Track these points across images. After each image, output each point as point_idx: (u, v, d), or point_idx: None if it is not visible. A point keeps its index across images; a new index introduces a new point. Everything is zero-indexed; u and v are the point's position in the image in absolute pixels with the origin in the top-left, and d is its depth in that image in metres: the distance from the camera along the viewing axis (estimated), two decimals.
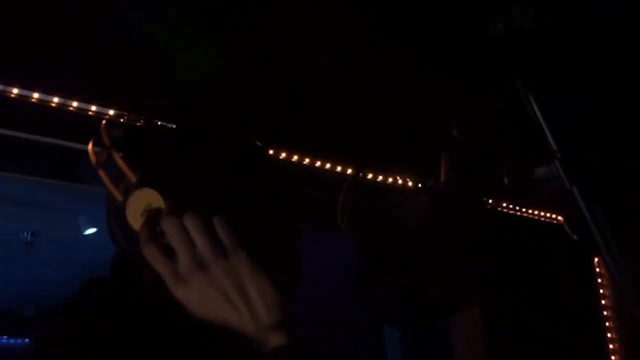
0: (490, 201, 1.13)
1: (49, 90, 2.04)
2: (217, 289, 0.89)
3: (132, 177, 0.96)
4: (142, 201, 0.94)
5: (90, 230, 4.93)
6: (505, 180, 1.11)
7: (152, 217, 0.93)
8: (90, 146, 1.00)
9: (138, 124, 1.08)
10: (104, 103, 2.05)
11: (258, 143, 1.14)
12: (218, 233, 0.91)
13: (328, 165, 2.67)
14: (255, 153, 1.15)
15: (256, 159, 1.14)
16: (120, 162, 0.97)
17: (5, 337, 7.81)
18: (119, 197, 0.96)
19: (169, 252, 0.91)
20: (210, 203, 0.98)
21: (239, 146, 1.12)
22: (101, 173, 0.98)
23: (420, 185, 1.18)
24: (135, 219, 0.94)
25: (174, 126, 1.12)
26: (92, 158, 1.00)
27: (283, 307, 0.89)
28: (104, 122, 1.01)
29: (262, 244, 1.03)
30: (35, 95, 2.02)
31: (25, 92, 2.00)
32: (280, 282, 0.92)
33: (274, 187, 1.12)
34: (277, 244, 1.08)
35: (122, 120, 1.02)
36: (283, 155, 2.59)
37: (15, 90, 1.98)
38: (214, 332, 0.91)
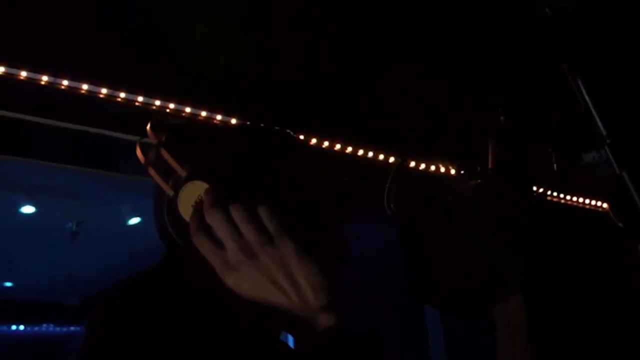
0: (537, 188, 1.13)
1: (97, 82, 2.08)
2: (265, 275, 0.93)
3: (181, 172, 0.99)
4: (193, 194, 0.98)
5: (134, 220, 4.99)
6: (554, 166, 1.11)
7: (200, 209, 0.97)
8: (138, 149, 1.05)
9: (181, 119, 1.12)
10: (149, 94, 2.08)
11: (295, 134, 1.16)
12: (264, 221, 0.94)
13: (371, 154, 2.68)
14: (295, 143, 1.17)
15: (297, 149, 1.16)
16: (169, 159, 1.01)
17: (51, 325, 7.96)
18: (169, 191, 1.00)
19: (218, 242, 0.94)
20: (255, 192, 1.00)
21: (279, 136, 1.14)
22: (151, 171, 1.02)
23: (466, 172, 1.18)
24: (187, 211, 0.98)
25: (218, 118, 1.15)
26: (141, 158, 1.04)
27: (329, 290, 0.93)
28: (150, 123, 1.04)
29: (308, 230, 1.05)
30: (84, 86, 2.05)
31: (74, 84, 2.04)
32: (326, 268, 0.95)
33: (318, 175, 1.14)
34: (323, 231, 1.10)
35: (166, 116, 1.06)
36: (326, 144, 2.60)
37: (65, 82, 2.02)
38: (265, 318, 0.94)
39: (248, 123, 1.18)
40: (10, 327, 7.87)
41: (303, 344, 0.93)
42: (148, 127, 1.03)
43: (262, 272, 0.93)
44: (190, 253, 0.98)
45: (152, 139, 1.03)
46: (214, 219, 0.94)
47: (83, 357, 0.93)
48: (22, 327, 7.93)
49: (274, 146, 1.11)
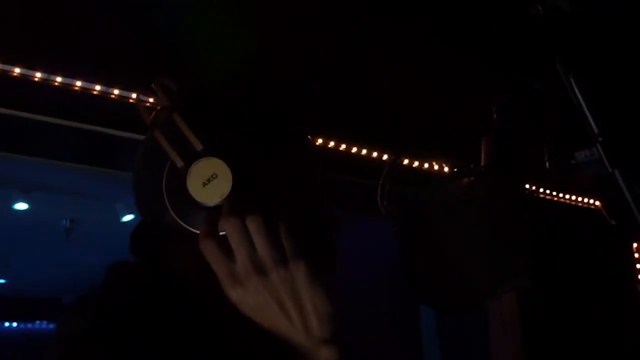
0: (530, 186, 1.13)
1: (91, 78, 2.07)
2: (272, 296, 0.87)
3: (197, 144, 0.91)
4: (207, 171, 0.89)
5: (128, 217, 4.99)
6: (547, 164, 1.11)
7: (213, 213, 0.90)
8: (138, 102, 0.94)
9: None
10: (145, 91, 2.07)
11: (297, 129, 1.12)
12: (281, 238, 0.89)
13: (364, 152, 2.68)
14: (304, 140, 1.12)
15: (305, 146, 1.12)
16: (183, 126, 0.91)
17: (44, 322, 7.95)
18: (179, 162, 0.91)
19: (227, 251, 0.88)
20: (274, 190, 0.96)
21: (293, 135, 1.09)
22: (157, 133, 0.92)
23: (459, 169, 1.18)
24: (197, 188, 0.89)
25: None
26: (145, 116, 0.95)
27: (335, 321, 0.88)
28: (156, 81, 0.95)
29: (295, 230, 0.99)
30: (78, 83, 2.05)
31: (68, 81, 2.03)
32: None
33: (308, 173, 1.10)
34: (311, 232, 1.05)
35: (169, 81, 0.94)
36: (319, 141, 2.60)
37: (58, 79, 2.02)
38: (262, 339, 0.90)
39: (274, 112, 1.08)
40: (3, 324, 7.86)
41: None
42: (158, 86, 0.94)
43: (270, 291, 0.87)
44: (182, 238, 0.93)
45: (162, 100, 0.94)
46: (230, 226, 0.88)
47: (64, 354, 0.89)
48: (15, 324, 7.92)
49: (294, 141, 1.07)
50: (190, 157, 0.90)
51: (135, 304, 0.92)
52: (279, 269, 0.87)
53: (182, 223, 0.91)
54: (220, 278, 0.89)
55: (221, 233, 0.89)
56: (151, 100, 1.96)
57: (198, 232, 0.90)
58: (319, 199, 1.10)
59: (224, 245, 0.88)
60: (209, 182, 0.89)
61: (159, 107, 0.95)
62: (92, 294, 0.97)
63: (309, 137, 1.16)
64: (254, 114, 1.04)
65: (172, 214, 0.92)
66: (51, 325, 7.91)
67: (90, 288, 0.98)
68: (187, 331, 0.91)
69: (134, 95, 2.09)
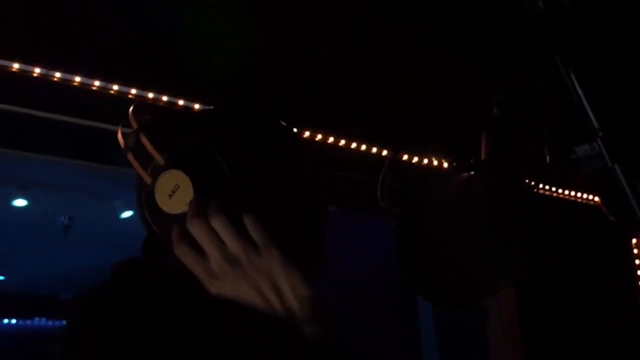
0: (530, 182, 1.13)
1: (90, 74, 2.07)
2: (250, 285, 0.91)
3: (159, 160, 0.97)
4: (171, 182, 0.96)
5: (127, 214, 4.99)
6: (547, 158, 1.11)
7: (182, 218, 0.94)
8: (119, 131, 1.03)
9: (163, 104, 1.09)
10: (143, 87, 2.07)
11: (284, 123, 1.14)
12: (248, 229, 0.92)
13: (364, 147, 2.68)
14: (283, 133, 1.14)
15: (283, 140, 1.13)
16: (147, 145, 0.98)
17: (43, 319, 7.96)
18: (147, 179, 0.98)
19: (200, 250, 0.93)
20: (238, 188, 0.98)
21: (265, 126, 1.12)
22: (129, 156, 1.00)
23: (459, 164, 1.19)
24: (164, 200, 0.96)
25: (197, 107, 1.13)
26: (121, 142, 1.02)
27: (315, 301, 0.91)
28: (132, 106, 1.02)
29: (286, 224, 1.04)
30: (77, 79, 2.05)
31: (67, 76, 2.03)
32: (305, 263, 0.95)
33: (303, 165, 1.12)
34: (302, 225, 1.09)
35: (149, 103, 1.03)
36: (319, 137, 2.60)
37: (57, 74, 2.01)
38: (248, 327, 0.93)
39: (228, 110, 1.13)
40: (2, 321, 7.86)
41: (286, 354, 0.91)
42: (130, 111, 1.01)
43: (247, 281, 0.91)
44: (169, 245, 0.96)
45: (132, 123, 1.01)
46: (196, 230, 0.92)
47: (65, 350, 0.92)
48: (14, 321, 7.92)
49: (257, 132, 1.09)
50: (157, 172, 0.97)
51: (139, 302, 0.94)
52: (252, 258, 0.91)
53: (160, 233, 0.98)
54: (199, 277, 0.93)
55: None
56: (150, 95, 1.96)
57: None
58: (304, 193, 1.10)
59: (196, 246, 0.93)
60: (174, 193, 0.96)
61: (129, 132, 1.01)
62: (97, 291, 1.00)
63: (292, 132, 1.17)
64: (215, 119, 1.10)
65: (154, 227, 0.98)
66: (49, 322, 7.92)
67: (96, 284, 1.01)
68: (187, 329, 0.93)
69: (133, 91, 2.09)
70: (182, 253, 0.93)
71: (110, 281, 1.03)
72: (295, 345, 0.90)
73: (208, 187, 0.95)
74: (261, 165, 1.05)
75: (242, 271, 0.91)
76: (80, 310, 0.96)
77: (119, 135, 1.02)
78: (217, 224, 0.92)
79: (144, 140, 0.98)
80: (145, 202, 0.99)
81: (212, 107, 1.14)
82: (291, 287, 0.91)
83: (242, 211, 0.93)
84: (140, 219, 1.06)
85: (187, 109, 1.03)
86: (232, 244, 0.91)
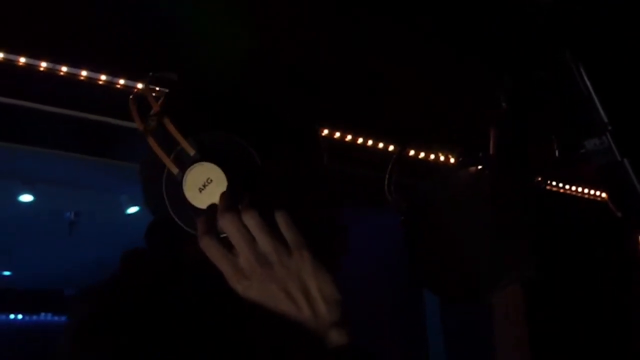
0: (538, 177, 1.12)
1: (96, 68, 2.07)
2: (279, 286, 0.89)
3: (189, 149, 0.91)
4: (202, 176, 0.90)
5: (133, 209, 4.99)
6: (556, 153, 1.11)
7: (210, 210, 0.90)
8: (134, 111, 0.96)
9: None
10: (150, 81, 2.07)
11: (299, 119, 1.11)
12: (281, 229, 0.90)
13: (370, 142, 2.68)
14: (305, 128, 1.11)
15: (307, 134, 1.10)
16: (173, 130, 0.91)
17: (49, 314, 7.98)
18: (174, 169, 0.91)
19: (228, 246, 0.89)
20: (272, 186, 0.95)
21: (290, 120, 1.07)
22: (151, 141, 0.93)
23: (466, 158, 1.18)
24: (193, 195, 0.90)
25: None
26: (138, 122, 0.95)
27: (342, 305, 0.90)
28: (147, 80, 0.96)
29: (312, 218, 1.01)
30: (84, 73, 2.04)
31: (73, 70, 2.03)
32: (326, 255, 0.92)
33: (322, 159, 1.10)
34: (326, 220, 1.07)
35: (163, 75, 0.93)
36: (325, 132, 2.60)
37: (64, 68, 2.01)
38: (272, 328, 0.91)
39: (265, 102, 1.06)
40: (8, 316, 7.89)
41: (307, 357, 0.90)
42: (143, 85, 0.95)
43: (276, 281, 0.88)
44: (185, 235, 0.93)
45: (152, 105, 0.94)
46: (228, 225, 0.88)
47: (74, 347, 0.89)
48: (20, 317, 7.95)
49: (283, 126, 1.05)
50: (184, 162, 0.91)
51: (148, 294, 0.92)
52: (283, 259, 0.88)
53: (185, 228, 0.92)
54: (225, 274, 0.90)
55: (222, 235, 0.90)
56: (157, 88, 1.95)
57: None
58: (324, 189, 1.09)
59: (223, 242, 0.89)
60: (205, 187, 0.90)
61: (150, 114, 0.94)
62: (106, 283, 0.97)
63: (315, 129, 1.15)
64: (248, 112, 1.02)
65: (176, 219, 0.92)
66: (55, 318, 7.95)
67: (104, 277, 0.98)
68: (196, 323, 0.91)
69: (139, 85, 2.08)
70: (209, 247, 0.89)
71: (119, 273, 1.00)
72: (320, 349, 0.88)
73: (242, 183, 0.90)
74: (289, 159, 1.02)
75: (272, 271, 0.88)
76: (90, 304, 0.93)
77: (134, 113, 0.95)
78: (250, 220, 0.88)
79: (169, 124, 0.92)
80: (168, 193, 0.92)
81: (234, 93, 1.06)
82: (319, 289, 0.89)
83: (275, 208, 0.90)
84: (150, 208, 1.03)
85: (203, 89, 0.94)
86: (264, 242, 0.88)
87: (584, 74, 1.06)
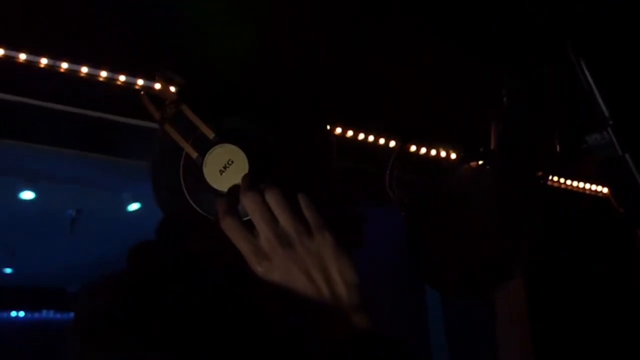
0: (539, 172, 1.12)
1: (97, 65, 2.07)
2: (300, 268, 0.89)
3: (208, 132, 0.92)
4: (222, 158, 0.91)
5: (134, 206, 4.99)
6: (557, 147, 1.11)
7: (232, 191, 0.91)
8: (145, 98, 0.97)
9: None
10: (149, 77, 2.07)
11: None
12: (303, 210, 0.90)
13: (371, 138, 2.68)
14: (319, 117, 1.11)
15: (320, 123, 1.11)
16: (193, 117, 0.92)
17: (51, 311, 7.99)
18: (193, 153, 0.92)
19: (249, 227, 0.89)
20: (292, 169, 0.96)
21: (306, 109, 1.09)
22: (168, 128, 0.94)
23: (468, 153, 1.18)
24: (214, 178, 0.91)
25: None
26: (154, 112, 0.96)
27: (361, 289, 0.90)
28: (161, 73, 0.98)
29: (330, 206, 1.00)
30: (84, 69, 2.04)
31: (74, 67, 2.03)
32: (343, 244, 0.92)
33: (326, 151, 1.09)
34: (341, 209, 1.06)
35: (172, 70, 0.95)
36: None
37: (64, 65, 2.01)
38: (292, 309, 0.91)
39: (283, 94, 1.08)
40: (10, 313, 7.89)
41: (327, 340, 0.89)
42: (159, 78, 0.97)
43: (296, 263, 0.88)
44: (201, 226, 0.94)
45: (167, 94, 0.96)
46: (250, 203, 0.89)
47: (83, 343, 0.89)
48: (22, 314, 7.95)
49: (300, 115, 1.06)
50: (204, 146, 0.91)
51: (156, 289, 0.91)
52: (304, 240, 0.88)
53: (203, 213, 0.92)
54: (245, 254, 0.90)
55: (244, 219, 0.90)
56: (157, 86, 1.95)
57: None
58: (339, 177, 1.09)
59: (244, 223, 0.89)
60: (226, 169, 0.90)
61: (166, 101, 0.96)
62: (115, 275, 0.97)
63: (326, 124, 1.15)
64: (262, 97, 1.03)
65: (193, 205, 0.93)
66: (57, 315, 7.95)
67: (110, 272, 0.98)
68: (208, 311, 0.90)
69: (140, 82, 2.08)
70: (230, 227, 0.89)
71: (129, 267, 1.00)
72: (340, 331, 0.88)
73: (263, 164, 0.91)
74: (306, 145, 1.03)
75: (293, 252, 0.89)
76: (99, 300, 0.92)
77: (149, 104, 0.96)
78: (272, 199, 0.89)
79: (187, 110, 0.93)
80: (186, 178, 0.93)
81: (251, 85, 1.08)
82: (340, 272, 0.89)
83: (297, 190, 0.91)
84: (163, 199, 1.02)
85: (229, 87, 0.96)
86: (286, 222, 0.89)
87: (585, 69, 1.06)
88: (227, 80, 1.04)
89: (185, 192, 0.93)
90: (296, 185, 0.92)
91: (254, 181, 0.90)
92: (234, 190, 0.91)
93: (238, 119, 0.94)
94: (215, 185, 0.91)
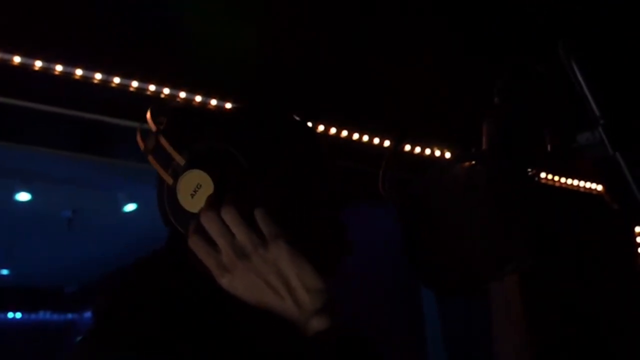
0: (532, 171, 1.13)
1: (91, 67, 2.07)
2: (259, 277, 0.92)
3: (180, 160, 0.99)
4: (192, 182, 0.98)
5: (130, 207, 4.99)
6: (548, 146, 1.11)
7: (199, 212, 0.97)
8: (138, 133, 1.04)
9: (179, 101, 1.11)
10: (144, 79, 2.07)
11: (298, 117, 1.15)
12: (258, 222, 0.94)
13: (366, 138, 2.68)
14: (297, 127, 1.14)
15: (299, 133, 1.13)
16: (167, 146, 1.00)
17: (48, 312, 7.98)
18: (169, 180, 1.00)
19: (212, 244, 0.94)
20: (256, 183, 1.00)
21: (279, 120, 1.12)
22: (150, 158, 1.02)
23: (460, 153, 1.19)
24: (186, 199, 0.98)
25: (213, 103, 1.13)
26: (141, 144, 1.04)
27: (325, 292, 0.92)
28: (149, 109, 1.04)
29: (312, 221, 1.05)
30: (78, 72, 2.05)
31: (69, 69, 2.03)
32: (331, 254, 0.97)
33: (321, 158, 1.12)
34: (326, 218, 1.09)
35: (166, 102, 1.05)
36: (321, 128, 2.60)
37: (59, 68, 2.01)
38: (260, 319, 0.94)
39: (244, 106, 1.16)
40: (7, 314, 7.89)
41: (298, 345, 0.92)
42: (148, 113, 1.03)
43: (255, 273, 0.92)
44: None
45: (151, 126, 1.03)
46: (208, 222, 0.94)
47: (89, 345, 0.93)
48: (19, 315, 7.95)
49: (275, 129, 1.10)
50: (178, 173, 1.00)
51: (163, 293, 0.97)
52: (260, 250, 0.92)
53: (183, 232, 1.00)
54: (211, 269, 0.95)
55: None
56: (152, 88, 1.97)
57: None
58: (325, 189, 1.11)
59: (210, 240, 0.94)
60: (196, 192, 0.98)
61: (149, 134, 1.03)
62: (123, 289, 1.02)
63: (309, 124, 1.18)
64: (235, 116, 1.12)
65: (177, 226, 1.01)
66: (54, 315, 7.95)
67: (120, 282, 1.04)
68: (206, 316, 0.96)
69: (134, 84, 2.09)
70: (196, 245, 0.95)
71: (136, 278, 1.05)
72: (304, 337, 0.91)
73: (228, 183, 0.98)
74: (278, 159, 1.06)
75: (250, 263, 0.92)
76: (110, 303, 0.98)
77: (138, 138, 1.04)
78: (227, 216, 0.93)
79: (164, 142, 1.00)
80: (168, 201, 1.01)
81: (226, 106, 1.16)
82: (300, 278, 0.91)
83: (255, 205, 0.95)
84: (162, 218, 1.08)
85: (201, 108, 1.06)
86: (240, 235, 0.93)
87: (576, 69, 1.07)
88: (199, 109, 1.12)
89: (169, 213, 1.01)
90: (258, 199, 0.96)
91: (213, 202, 0.95)
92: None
93: (210, 145, 1.01)
94: (187, 208, 0.99)
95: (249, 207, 0.94)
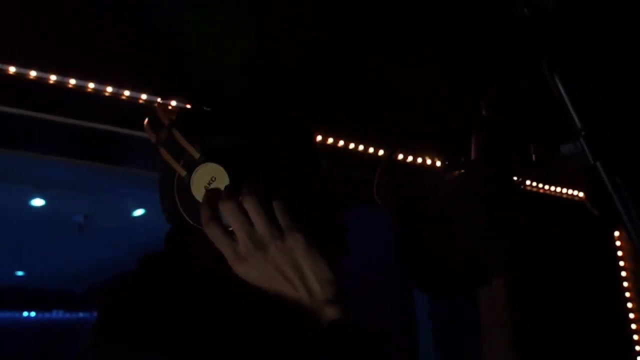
0: (518, 178, 1.14)
1: (102, 79, 2.08)
2: (274, 267, 0.92)
3: (194, 153, 0.97)
4: (206, 176, 0.96)
5: (139, 212, 5.00)
6: (533, 156, 1.12)
7: (212, 197, 0.95)
8: (147, 125, 1.01)
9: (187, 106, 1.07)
10: (154, 92, 2.07)
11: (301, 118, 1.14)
12: (277, 215, 0.93)
13: (361, 147, 2.68)
14: (303, 128, 1.14)
15: (304, 134, 1.13)
16: (180, 139, 0.98)
17: (60, 311, 7.98)
18: (182, 172, 0.97)
19: (229, 232, 0.93)
20: (269, 177, 0.99)
21: (287, 120, 1.11)
22: (162, 150, 0.99)
23: (450, 162, 1.19)
24: (200, 193, 0.96)
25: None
26: (152, 137, 1.01)
27: (336, 283, 0.93)
28: (157, 101, 1.03)
29: (315, 220, 1.04)
30: (90, 85, 2.05)
31: (81, 83, 2.04)
32: (328, 255, 0.95)
33: (322, 161, 1.12)
34: (324, 219, 1.09)
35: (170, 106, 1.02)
36: (318, 138, 2.60)
37: (72, 81, 2.02)
38: (272, 308, 0.94)
39: (251, 103, 1.13)
40: (21, 313, 7.88)
41: (309, 334, 0.91)
42: (157, 105, 1.02)
43: (271, 264, 0.92)
44: (198, 235, 0.96)
45: (162, 119, 1.01)
46: (227, 210, 0.93)
47: (94, 340, 0.92)
48: (33, 314, 7.94)
49: (281, 126, 1.09)
50: (192, 166, 0.97)
51: (164, 290, 0.96)
52: (277, 242, 0.92)
53: (195, 225, 0.97)
54: (227, 257, 0.93)
55: (230, 229, 0.94)
56: (159, 99, 1.97)
57: None
58: (324, 189, 1.11)
59: (226, 227, 0.93)
60: (210, 185, 0.96)
61: (161, 126, 1.01)
62: (127, 286, 1.00)
63: (310, 124, 1.17)
64: (247, 113, 1.08)
65: (187, 218, 0.98)
66: (66, 315, 7.95)
67: (125, 279, 1.02)
68: (205, 312, 0.94)
69: (143, 96, 2.09)
70: (213, 234, 0.94)
71: (139, 272, 1.03)
72: (316, 325, 0.91)
73: (243, 177, 0.96)
74: (286, 157, 1.05)
75: (267, 253, 0.92)
76: (110, 306, 0.95)
77: (148, 130, 1.01)
78: (248, 205, 0.92)
79: (177, 135, 0.98)
80: (179, 194, 0.99)
81: (236, 104, 1.12)
82: (313, 270, 0.92)
83: (272, 197, 0.94)
84: (168, 215, 1.06)
85: (211, 108, 1.03)
86: (259, 226, 0.92)
87: (559, 84, 1.07)
88: (214, 103, 1.08)
89: (179, 206, 0.98)
90: (277, 193, 0.95)
91: (231, 192, 0.94)
92: (216, 196, 0.95)
93: (222, 138, 0.99)
94: (201, 200, 0.96)
95: (266, 199, 0.93)
